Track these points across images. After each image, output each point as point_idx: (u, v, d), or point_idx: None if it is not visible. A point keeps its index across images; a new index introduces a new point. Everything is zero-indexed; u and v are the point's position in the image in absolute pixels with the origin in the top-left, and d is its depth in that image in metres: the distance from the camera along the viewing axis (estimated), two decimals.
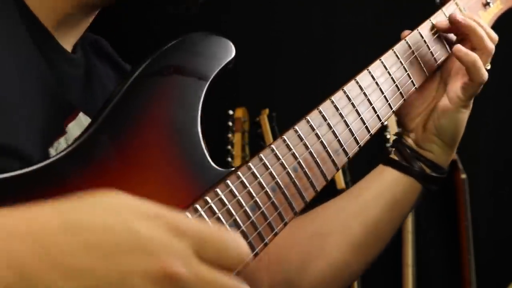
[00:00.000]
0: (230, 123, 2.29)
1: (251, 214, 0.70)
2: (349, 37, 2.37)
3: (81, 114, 0.77)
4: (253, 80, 2.43)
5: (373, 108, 0.85)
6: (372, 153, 2.29)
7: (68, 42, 0.81)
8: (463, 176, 2.20)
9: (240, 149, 2.26)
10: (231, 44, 0.77)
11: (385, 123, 2.23)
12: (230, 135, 2.28)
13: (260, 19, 2.43)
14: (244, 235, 0.69)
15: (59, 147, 0.71)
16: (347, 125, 0.81)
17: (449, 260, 2.36)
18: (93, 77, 0.85)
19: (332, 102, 0.80)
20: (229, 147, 2.27)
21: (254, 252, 0.71)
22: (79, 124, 0.75)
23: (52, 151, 0.70)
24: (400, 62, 0.91)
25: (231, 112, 2.30)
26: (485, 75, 0.95)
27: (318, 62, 2.37)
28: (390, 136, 2.24)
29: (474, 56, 0.92)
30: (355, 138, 0.82)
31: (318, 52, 2.41)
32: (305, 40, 2.43)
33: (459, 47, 0.92)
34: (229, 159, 2.25)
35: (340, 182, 2.19)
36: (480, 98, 2.56)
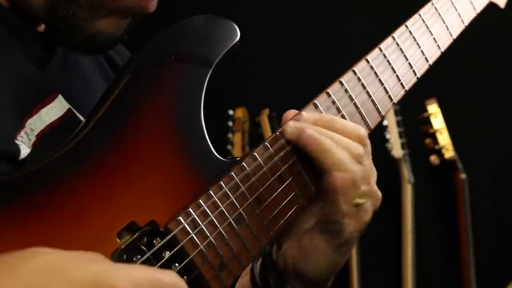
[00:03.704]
0: (230, 123, 2.29)
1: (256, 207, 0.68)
2: (349, 37, 2.37)
3: (60, 97, 0.74)
4: (253, 80, 2.43)
5: (385, 88, 0.79)
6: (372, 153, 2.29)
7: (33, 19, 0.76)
8: (463, 176, 2.20)
9: (240, 149, 2.26)
10: (235, 25, 0.73)
11: (385, 123, 2.24)
12: (230, 135, 2.28)
13: (260, 19, 2.43)
14: (248, 228, 0.68)
15: (24, 140, 0.68)
16: (357, 108, 0.76)
17: (449, 260, 2.35)
18: (69, 57, 0.81)
19: (342, 83, 0.76)
20: (229, 147, 2.27)
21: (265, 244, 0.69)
22: (56, 107, 0.72)
23: (20, 142, 0.67)
24: (413, 38, 0.84)
25: (231, 112, 2.30)
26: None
27: (318, 62, 2.37)
28: (390, 136, 2.25)
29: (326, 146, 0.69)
30: (365, 121, 0.77)
31: (318, 52, 2.42)
32: (305, 40, 2.43)
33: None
34: None
35: None
36: (481, 98, 2.57)
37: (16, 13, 0.73)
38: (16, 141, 0.66)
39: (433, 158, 2.24)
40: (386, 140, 2.25)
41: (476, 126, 2.37)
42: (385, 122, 2.25)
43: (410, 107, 2.18)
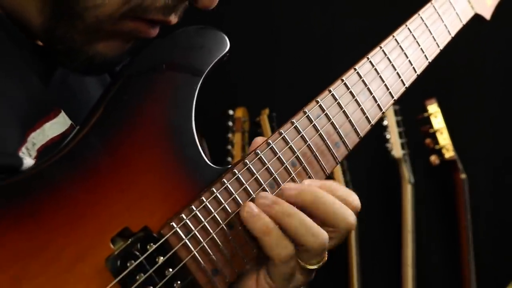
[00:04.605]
0: (230, 123, 2.29)
1: None
2: (349, 37, 2.37)
3: (63, 112, 0.73)
4: (253, 80, 2.43)
5: (374, 97, 0.80)
6: (371, 153, 2.30)
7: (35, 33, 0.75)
8: (463, 176, 2.20)
9: (240, 149, 2.26)
10: (225, 37, 0.75)
11: (385, 123, 2.24)
12: (230, 135, 2.28)
13: (260, 19, 2.43)
14: (241, 233, 0.68)
15: (26, 153, 0.67)
16: (347, 116, 0.77)
17: (449, 260, 2.35)
18: (70, 72, 0.80)
19: (330, 91, 0.76)
20: (229, 147, 2.27)
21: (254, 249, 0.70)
22: (59, 122, 0.72)
23: (22, 155, 0.66)
24: (400, 47, 0.84)
25: (231, 112, 2.30)
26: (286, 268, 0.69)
27: (318, 62, 2.37)
28: (390, 136, 2.25)
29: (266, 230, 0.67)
30: (355, 130, 0.77)
31: (318, 51, 2.42)
32: (305, 39, 2.43)
33: (251, 209, 0.67)
34: (229, 159, 2.25)
35: (340, 182, 2.19)
36: (481, 98, 2.56)
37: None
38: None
39: (433, 158, 2.24)
40: (386, 140, 2.25)
41: (476, 126, 2.37)
42: (385, 122, 2.25)
43: (410, 107, 2.18)
